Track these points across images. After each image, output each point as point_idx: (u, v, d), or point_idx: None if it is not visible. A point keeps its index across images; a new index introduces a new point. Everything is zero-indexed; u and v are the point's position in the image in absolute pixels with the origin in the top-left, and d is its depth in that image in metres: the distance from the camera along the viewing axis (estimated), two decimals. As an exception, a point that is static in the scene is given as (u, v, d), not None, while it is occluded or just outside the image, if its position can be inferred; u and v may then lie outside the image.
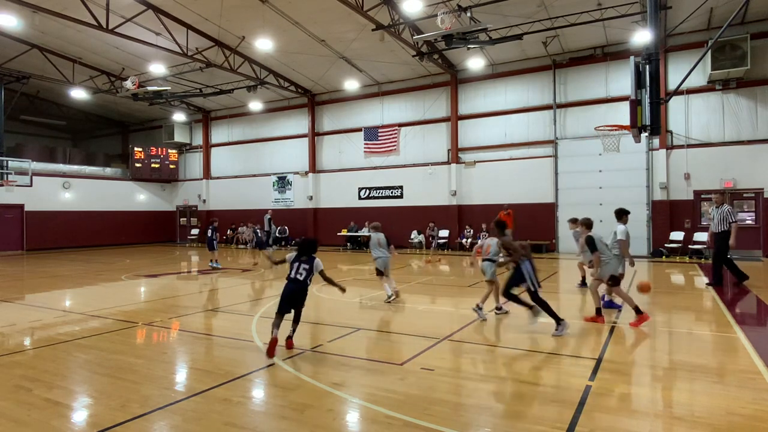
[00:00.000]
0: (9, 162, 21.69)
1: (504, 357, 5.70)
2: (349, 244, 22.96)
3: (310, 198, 25.05)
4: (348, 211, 23.83)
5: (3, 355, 6.07)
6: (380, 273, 9.43)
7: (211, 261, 15.68)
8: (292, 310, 6.09)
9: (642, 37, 15.75)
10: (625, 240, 7.98)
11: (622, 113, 16.54)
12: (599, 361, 5.43)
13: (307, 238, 6.62)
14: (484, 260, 8.16)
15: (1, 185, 21.18)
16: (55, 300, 10.49)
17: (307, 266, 6.08)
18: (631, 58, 10.55)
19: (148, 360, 5.83)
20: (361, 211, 23.43)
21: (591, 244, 7.53)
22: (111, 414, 4.17)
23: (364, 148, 23.47)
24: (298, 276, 6.05)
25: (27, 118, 27.76)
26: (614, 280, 7.34)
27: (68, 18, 15.20)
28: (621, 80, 17.64)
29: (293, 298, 6.06)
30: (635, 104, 10.22)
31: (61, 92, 24.64)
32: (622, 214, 8.34)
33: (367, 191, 23.68)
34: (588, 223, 8.15)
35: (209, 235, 16.14)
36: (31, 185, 22.18)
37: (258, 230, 16.94)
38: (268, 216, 23.54)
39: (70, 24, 16.32)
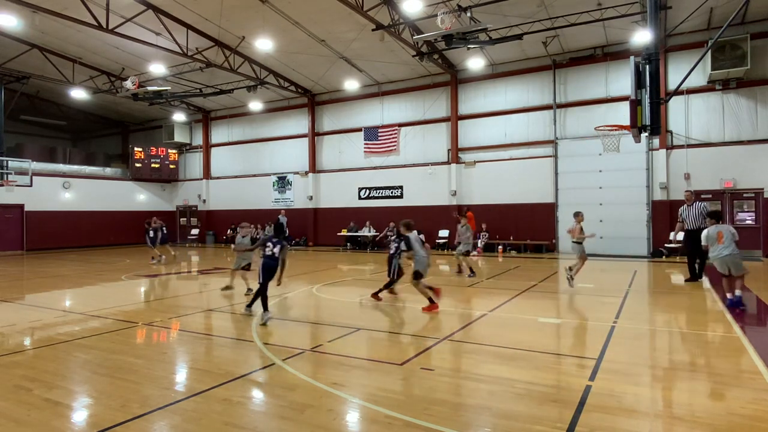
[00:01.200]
0: (9, 162, 21.70)
1: (504, 357, 5.70)
2: (348, 244, 22.96)
3: (310, 198, 25.05)
4: (348, 211, 23.83)
5: (3, 355, 6.07)
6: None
7: (153, 258, 17.18)
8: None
9: (642, 37, 15.76)
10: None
11: (622, 113, 16.55)
12: (599, 361, 5.43)
13: (280, 223, 8.04)
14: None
15: (2, 185, 21.18)
16: (55, 300, 10.49)
17: (278, 247, 7.63)
18: (631, 58, 10.56)
19: (148, 360, 5.83)
20: (361, 211, 23.44)
21: (407, 243, 8.76)
22: (111, 414, 4.17)
23: (364, 148, 23.47)
24: (275, 253, 7.61)
25: (27, 118, 27.76)
26: (417, 276, 8.47)
27: (68, 18, 15.20)
28: (621, 80, 17.65)
29: (273, 272, 7.60)
30: (635, 104, 10.22)
31: (61, 92, 24.65)
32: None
33: (367, 191, 23.68)
34: (408, 225, 9.33)
35: (151, 236, 17.63)
36: (31, 185, 22.18)
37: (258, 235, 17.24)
38: (285, 218, 23.80)
39: (70, 24, 16.32)
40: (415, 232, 9.26)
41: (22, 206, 23.26)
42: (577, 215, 10.73)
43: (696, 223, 11.00)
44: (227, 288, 10.57)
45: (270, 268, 7.55)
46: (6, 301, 10.22)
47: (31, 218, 23.56)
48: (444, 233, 21.25)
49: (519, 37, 16.07)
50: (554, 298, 10.15)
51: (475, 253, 15.94)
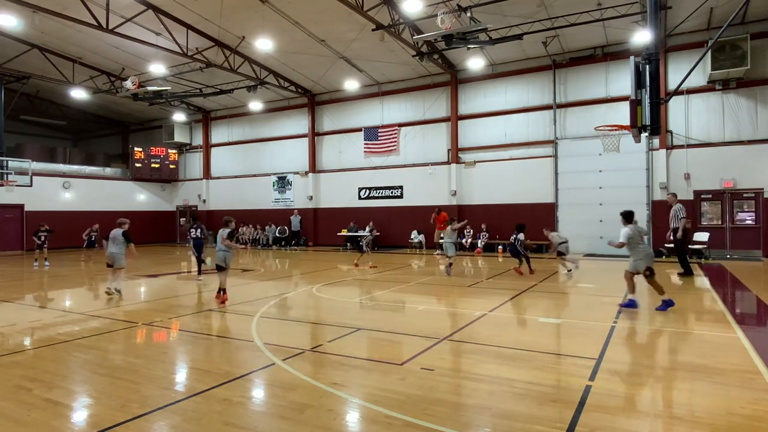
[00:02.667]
0: (9, 162, 21.70)
1: (504, 357, 5.70)
2: (348, 244, 22.96)
3: (310, 198, 25.05)
4: (348, 211, 23.83)
5: (3, 355, 6.08)
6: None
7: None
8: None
9: (642, 37, 15.76)
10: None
11: (622, 113, 16.55)
12: (599, 361, 5.43)
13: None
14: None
15: (2, 185, 21.18)
16: (55, 300, 10.49)
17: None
18: (631, 58, 10.56)
19: (148, 360, 5.83)
20: (362, 211, 23.44)
21: None
22: (111, 414, 4.17)
23: (364, 148, 23.47)
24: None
25: (27, 118, 27.77)
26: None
27: (68, 18, 15.20)
28: (621, 80, 17.65)
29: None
30: (635, 104, 10.22)
31: (61, 92, 24.65)
32: None
33: (367, 191, 23.68)
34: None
35: (92, 239, 18.10)
36: (31, 185, 22.18)
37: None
38: (299, 217, 23.83)
39: (70, 24, 16.33)
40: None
41: (22, 206, 23.26)
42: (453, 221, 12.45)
43: (672, 223, 12.27)
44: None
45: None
46: (6, 301, 10.21)
47: (31, 218, 23.54)
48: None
49: (519, 37, 16.07)
50: (554, 298, 10.15)
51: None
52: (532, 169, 19.83)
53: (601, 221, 18.50)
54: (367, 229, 22.25)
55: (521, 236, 12.82)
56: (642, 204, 17.89)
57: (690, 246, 16.68)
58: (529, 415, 4.05)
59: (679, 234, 12.19)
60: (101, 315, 8.41)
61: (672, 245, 13.73)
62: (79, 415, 4.29)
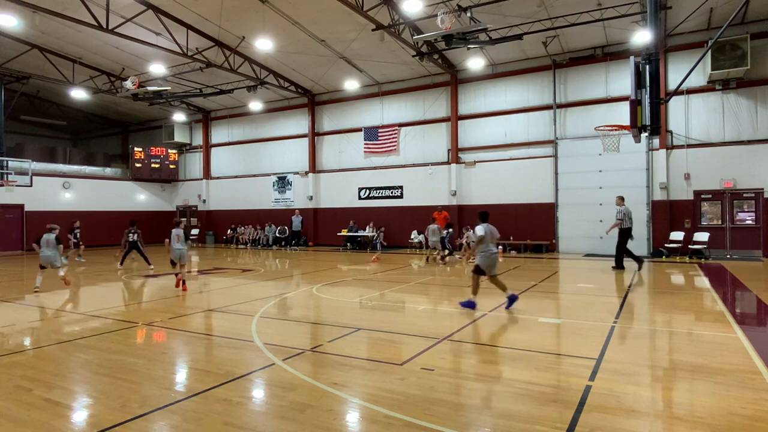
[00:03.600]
0: (9, 162, 21.72)
1: (504, 357, 5.70)
2: (348, 244, 22.96)
3: (310, 198, 25.05)
4: (348, 211, 23.84)
5: (3, 355, 6.07)
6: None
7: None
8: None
9: (642, 37, 15.76)
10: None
11: (622, 113, 16.57)
12: (599, 361, 5.43)
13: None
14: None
15: (2, 185, 21.19)
16: (55, 300, 10.49)
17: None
18: (631, 58, 10.58)
19: (148, 360, 5.83)
20: (362, 211, 23.45)
21: None
22: (111, 414, 4.17)
23: (364, 148, 23.47)
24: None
25: (27, 118, 27.77)
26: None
27: (68, 18, 15.21)
28: (621, 80, 17.66)
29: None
30: (635, 104, 10.24)
31: (61, 92, 24.66)
32: None
33: (367, 191, 23.68)
34: None
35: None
36: (31, 185, 22.21)
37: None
38: (300, 218, 23.79)
39: (70, 24, 16.33)
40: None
41: (22, 206, 23.26)
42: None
43: (625, 223, 13.53)
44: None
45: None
46: (6, 301, 10.22)
47: (31, 218, 23.56)
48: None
49: (519, 37, 16.07)
50: (554, 298, 10.15)
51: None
52: (532, 169, 19.84)
53: (601, 221, 18.49)
54: (368, 229, 22.32)
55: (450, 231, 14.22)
56: (642, 204, 17.90)
57: (690, 246, 16.73)
58: (529, 415, 4.05)
59: (608, 230, 14.20)
60: (101, 315, 8.41)
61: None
62: (79, 415, 4.29)
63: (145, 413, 4.19)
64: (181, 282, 11.00)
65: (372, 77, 22.45)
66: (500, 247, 19.60)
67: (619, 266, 13.65)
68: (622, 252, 13.66)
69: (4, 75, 21.57)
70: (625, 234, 13.46)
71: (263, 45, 18.60)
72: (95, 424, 4.02)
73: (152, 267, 15.07)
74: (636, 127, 10.31)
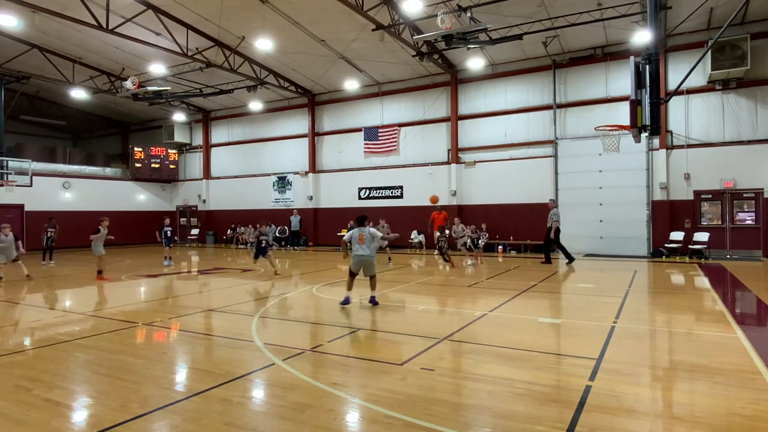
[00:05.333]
0: (9, 162, 21.72)
1: (504, 357, 5.70)
2: (349, 243, 22.92)
3: (310, 198, 25.05)
4: (348, 211, 23.81)
5: (3, 355, 6.07)
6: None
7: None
8: None
9: (642, 37, 15.77)
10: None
11: (622, 113, 16.57)
12: (599, 361, 5.43)
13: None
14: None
15: (2, 185, 21.18)
16: (55, 300, 10.49)
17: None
18: (631, 58, 10.57)
19: (148, 360, 5.83)
20: (362, 211, 23.36)
21: None
22: (111, 414, 4.17)
23: (364, 148, 23.47)
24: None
25: (27, 118, 27.77)
26: None
27: (68, 18, 15.21)
28: (621, 80, 17.66)
29: None
30: (635, 104, 10.23)
31: (61, 92, 24.66)
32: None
33: (367, 191, 23.68)
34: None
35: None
36: (31, 185, 22.20)
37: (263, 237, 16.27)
38: (299, 217, 23.72)
39: (70, 24, 16.33)
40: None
41: (22, 206, 23.25)
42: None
43: (548, 223, 15.35)
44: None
45: None
46: (6, 301, 10.21)
47: (31, 218, 23.56)
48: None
49: (519, 37, 16.07)
50: (554, 298, 10.15)
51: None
52: (532, 169, 19.84)
53: (601, 221, 18.52)
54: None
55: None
56: (642, 204, 17.91)
57: (690, 246, 16.74)
58: (529, 415, 4.05)
59: (552, 234, 15.32)
60: (101, 315, 8.41)
61: (550, 241, 15.94)
62: (79, 415, 4.29)
63: (145, 413, 4.19)
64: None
65: (372, 77, 22.45)
66: (500, 247, 19.64)
67: (547, 260, 15.59)
68: (549, 248, 15.81)
69: (4, 75, 21.57)
70: (558, 232, 15.33)
71: (263, 45, 18.60)
72: (95, 424, 4.02)
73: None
74: (636, 127, 10.30)
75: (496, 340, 6.41)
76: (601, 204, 18.55)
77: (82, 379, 5.28)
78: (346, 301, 8.82)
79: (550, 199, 16.37)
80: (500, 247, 19.82)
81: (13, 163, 21.91)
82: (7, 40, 19.24)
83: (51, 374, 5.33)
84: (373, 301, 8.87)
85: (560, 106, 19.40)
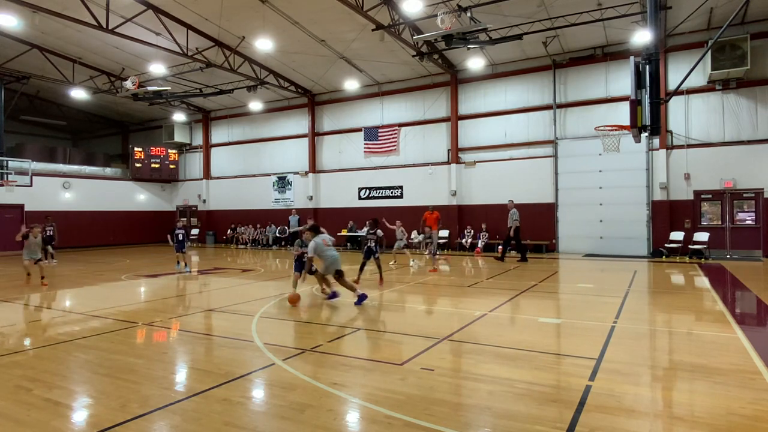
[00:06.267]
0: (9, 162, 21.71)
1: (504, 357, 5.70)
2: (349, 244, 22.95)
3: (310, 198, 25.04)
4: (348, 211, 23.83)
5: (3, 355, 6.07)
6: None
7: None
8: None
9: (642, 37, 15.76)
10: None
11: (622, 113, 16.56)
12: (599, 361, 5.43)
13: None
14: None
15: (2, 185, 21.18)
16: (55, 300, 10.48)
17: None
18: (631, 58, 10.57)
19: (148, 360, 5.83)
20: (362, 211, 23.44)
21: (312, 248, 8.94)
22: (111, 414, 4.17)
23: (364, 148, 23.47)
24: None
25: (27, 118, 27.76)
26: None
27: (68, 18, 15.20)
28: (621, 80, 17.66)
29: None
30: (635, 104, 10.23)
31: (61, 92, 24.65)
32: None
33: (367, 191, 23.68)
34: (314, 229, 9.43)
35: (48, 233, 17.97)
36: (31, 185, 22.20)
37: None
38: (297, 217, 23.65)
39: (70, 24, 16.33)
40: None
41: (22, 206, 23.25)
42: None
43: (509, 223, 16.06)
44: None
45: None
46: (6, 301, 10.21)
47: (31, 218, 23.52)
48: (444, 233, 21.23)
49: (519, 37, 16.07)
50: (554, 298, 10.15)
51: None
52: (532, 169, 19.84)
53: (601, 221, 18.52)
54: (365, 229, 22.31)
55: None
56: (642, 204, 17.91)
57: (690, 246, 16.75)
58: (529, 415, 4.06)
59: (512, 233, 16.06)
60: (101, 315, 8.41)
61: (509, 240, 16.74)
62: (79, 415, 4.29)
63: (145, 413, 4.19)
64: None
65: (372, 77, 22.45)
66: (500, 247, 19.62)
67: (502, 258, 16.55)
68: (507, 246, 16.83)
69: (4, 75, 21.56)
70: (517, 231, 16.10)
71: (263, 45, 18.59)
72: (95, 424, 4.02)
73: None
74: (636, 127, 10.30)
75: (496, 340, 6.41)
76: (601, 204, 18.56)
77: (82, 379, 5.28)
78: (335, 295, 9.37)
79: (509, 200, 17.04)
80: (500, 247, 19.79)
81: (13, 163, 21.91)
82: (7, 40, 19.24)
83: (51, 374, 5.33)
84: (335, 295, 9.41)
85: (560, 106, 19.40)
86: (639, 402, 4.34)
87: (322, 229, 9.48)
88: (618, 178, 18.21)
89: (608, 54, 18.47)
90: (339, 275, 9.09)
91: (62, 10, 15.10)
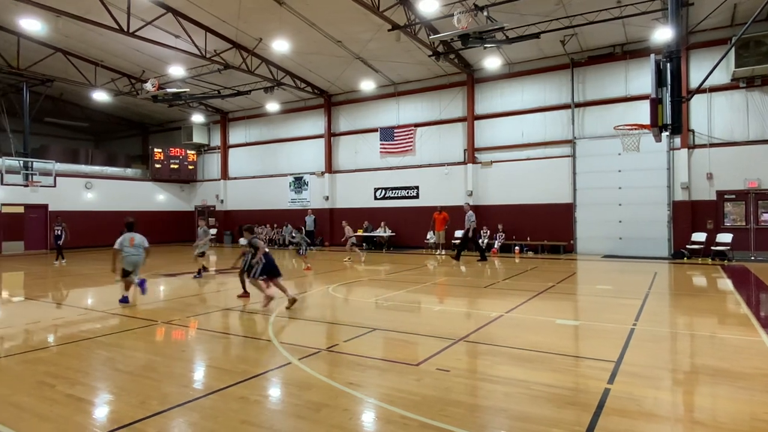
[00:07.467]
0: (34, 163, 22.25)
1: (521, 358, 5.65)
2: (364, 244, 23.00)
3: (326, 198, 25.15)
4: (364, 211, 23.88)
5: (27, 351, 6.22)
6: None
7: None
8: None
9: (663, 34, 15.49)
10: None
11: (642, 112, 16.27)
12: (618, 363, 5.35)
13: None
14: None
15: (27, 186, 21.72)
16: (77, 298, 10.70)
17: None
18: (652, 56, 10.38)
19: (166, 358, 5.91)
20: (377, 212, 23.48)
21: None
22: (131, 410, 4.24)
23: (380, 148, 23.49)
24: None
25: (51, 120, 28.39)
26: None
27: (90, 22, 15.50)
28: (641, 78, 17.38)
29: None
30: (656, 103, 10.05)
31: (83, 94, 25.16)
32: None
33: (383, 191, 23.69)
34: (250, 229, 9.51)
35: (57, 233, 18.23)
36: (54, 186, 22.71)
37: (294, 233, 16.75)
38: (313, 217, 23.71)
39: (92, 27, 16.64)
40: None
41: (46, 206, 23.80)
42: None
43: (466, 225, 17.03)
44: None
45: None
46: (31, 299, 10.47)
47: (54, 218, 24.09)
48: (460, 233, 21.13)
49: (536, 35, 15.92)
50: (572, 299, 10.03)
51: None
52: (549, 169, 19.64)
53: (620, 222, 18.24)
54: (380, 229, 22.36)
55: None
56: (663, 204, 17.59)
57: (713, 247, 16.39)
58: (546, 417, 4.01)
59: (470, 234, 17.00)
60: (121, 313, 8.56)
61: (461, 240, 17.80)
62: (101, 411, 4.38)
63: (164, 410, 4.25)
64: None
65: (388, 77, 22.46)
66: (517, 247, 19.47)
67: (457, 257, 17.15)
68: (463, 247, 17.58)
69: (29, 78, 22.09)
70: (474, 233, 17.24)
71: (280, 46, 18.73)
72: (116, 420, 4.09)
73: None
74: (657, 126, 10.12)
75: (513, 342, 6.36)
76: (620, 204, 18.28)
77: (103, 375, 5.38)
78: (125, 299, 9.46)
79: (465, 203, 18.27)
80: (517, 247, 19.66)
81: (38, 164, 22.45)
82: (32, 44, 19.71)
83: (73, 371, 5.44)
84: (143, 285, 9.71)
85: (578, 105, 19.17)
86: (659, 406, 4.27)
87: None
88: (638, 178, 17.91)
89: (628, 52, 18.18)
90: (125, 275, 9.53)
91: (84, 13, 15.41)
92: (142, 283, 9.68)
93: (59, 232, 18.29)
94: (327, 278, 13.11)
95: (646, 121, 10.78)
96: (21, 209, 23.27)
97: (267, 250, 8.97)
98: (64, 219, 19.30)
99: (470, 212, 17.09)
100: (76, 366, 5.63)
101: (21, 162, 21.67)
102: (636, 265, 15.36)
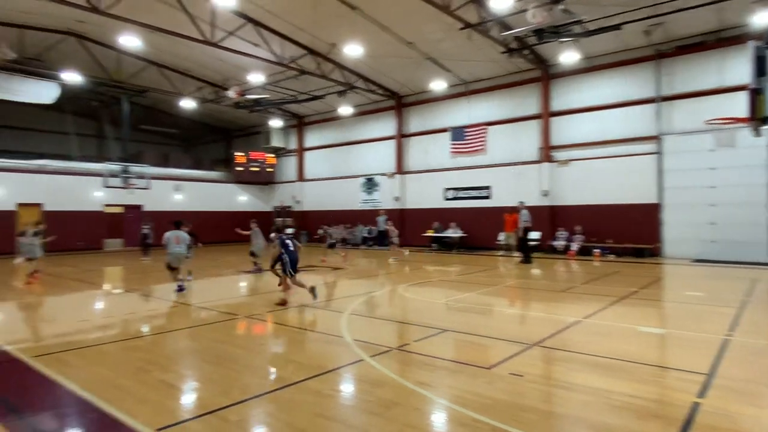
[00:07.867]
0: (132, 168, 24.46)
1: (600, 366, 5.40)
2: (435, 244, 22.92)
3: (397, 199, 25.33)
4: (434, 211, 23.79)
5: (126, 339, 6.84)
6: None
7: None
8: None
9: (763, 18, 14.12)
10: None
11: (737, 105, 14.92)
12: (710, 376, 4.97)
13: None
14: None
15: (125, 188, 23.89)
16: (168, 292, 11.56)
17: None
18: (750, 42, 9.51)
19: (247, 350, 6.26)
20: (447, 212, 23.30)
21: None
22: (216, 398, 4.54)
23: (451, 148, 23.30)
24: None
25: (145, 127, 30.90)
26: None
27: (179, 35, 16.70)
28: (736, 68, 15.91)
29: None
30: (754, 94, 9.19)
31: (172, 102, 27.13)
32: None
33: (454, 192, 23.48)
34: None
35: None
36: (149, 188, 24.76)
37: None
38: (384, 217, 23.93)
39: (179, 40, 17.89)
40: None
41: (140, 207, 25.94)
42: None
43: (524, 224, 16.65)
44: None
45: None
46: (129, 292, 11.46)
47: (148, 218, 26.17)
48: (534, 235, 20.46)
49: (617, 27, 15.06)
50: (658, 306, 9.42)
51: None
52: (632, 167, 18.50)
53: (713, 224, 16.83)
54: (450, 230, 22.19)
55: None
56: (761, 205, 15.99)
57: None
58: (628, 429, 3.82)
59: (521, 233, 16.82)
60: (207, 306, 9.15)
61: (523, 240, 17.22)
62: (188, 398, 4.73)
63: (245, 399, 4.51)
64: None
65: (459, 76, 22.23)
66: (597, 250, 18.55)
67: (527, 260, 16.48)
68: (526, 247, 16.92)
69: (129, 90, 24.19)
70: (525, 232, 16.78)
71: (353, 50, 19.11)
72: (203, 406, 4.41)
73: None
74: (755, 119, 9.25)
75: (591, 349, 6.08)
76: (713, 205, 16.85)
77: (190, 364, 5.80)
78: (181, 288, 10.63)
79: (519, 202, 17.56)
80: (597, 250, 18.69)
81: (134, 168, 24.57)
82: (129, 58, 21.57)
83: (166, 358, 5.92)
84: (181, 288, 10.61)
85: (665, 98, 17.89)
86: (758, 424, 3.92)
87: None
88: (733, 176, 16.42)
89: (721, 39, 16.73)
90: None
91: (174, 27, 16.63)
92: (180, 288, 10.66)
93: (147, 231, 20.29)
94: (397, 278, 13.22)
95: (743, 114, 9.89)
96: (121, 209, 25.57)
97: (292, 247, 9.48)
98: (152, 219, 21.09)
99: (524, 211, 16.69)
100: (168, 354, 6.11)
101: (121, 166, 23.83)
102: (731, 270, 14.11)
